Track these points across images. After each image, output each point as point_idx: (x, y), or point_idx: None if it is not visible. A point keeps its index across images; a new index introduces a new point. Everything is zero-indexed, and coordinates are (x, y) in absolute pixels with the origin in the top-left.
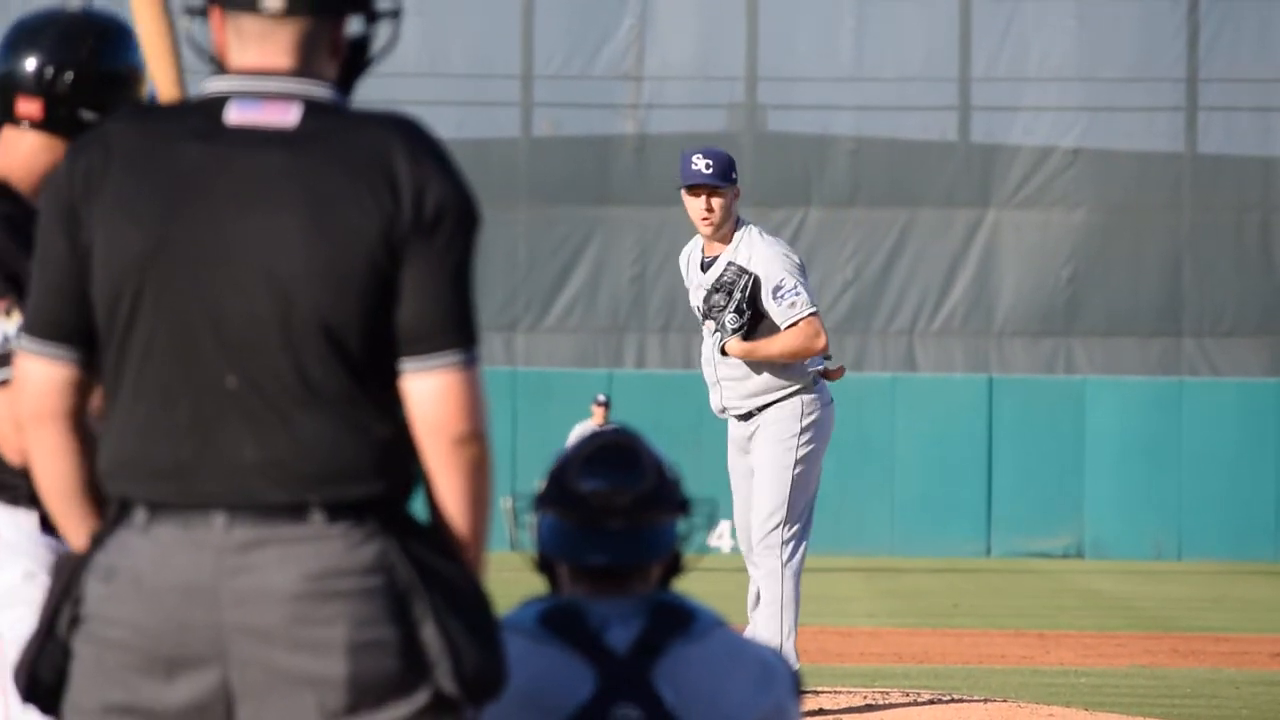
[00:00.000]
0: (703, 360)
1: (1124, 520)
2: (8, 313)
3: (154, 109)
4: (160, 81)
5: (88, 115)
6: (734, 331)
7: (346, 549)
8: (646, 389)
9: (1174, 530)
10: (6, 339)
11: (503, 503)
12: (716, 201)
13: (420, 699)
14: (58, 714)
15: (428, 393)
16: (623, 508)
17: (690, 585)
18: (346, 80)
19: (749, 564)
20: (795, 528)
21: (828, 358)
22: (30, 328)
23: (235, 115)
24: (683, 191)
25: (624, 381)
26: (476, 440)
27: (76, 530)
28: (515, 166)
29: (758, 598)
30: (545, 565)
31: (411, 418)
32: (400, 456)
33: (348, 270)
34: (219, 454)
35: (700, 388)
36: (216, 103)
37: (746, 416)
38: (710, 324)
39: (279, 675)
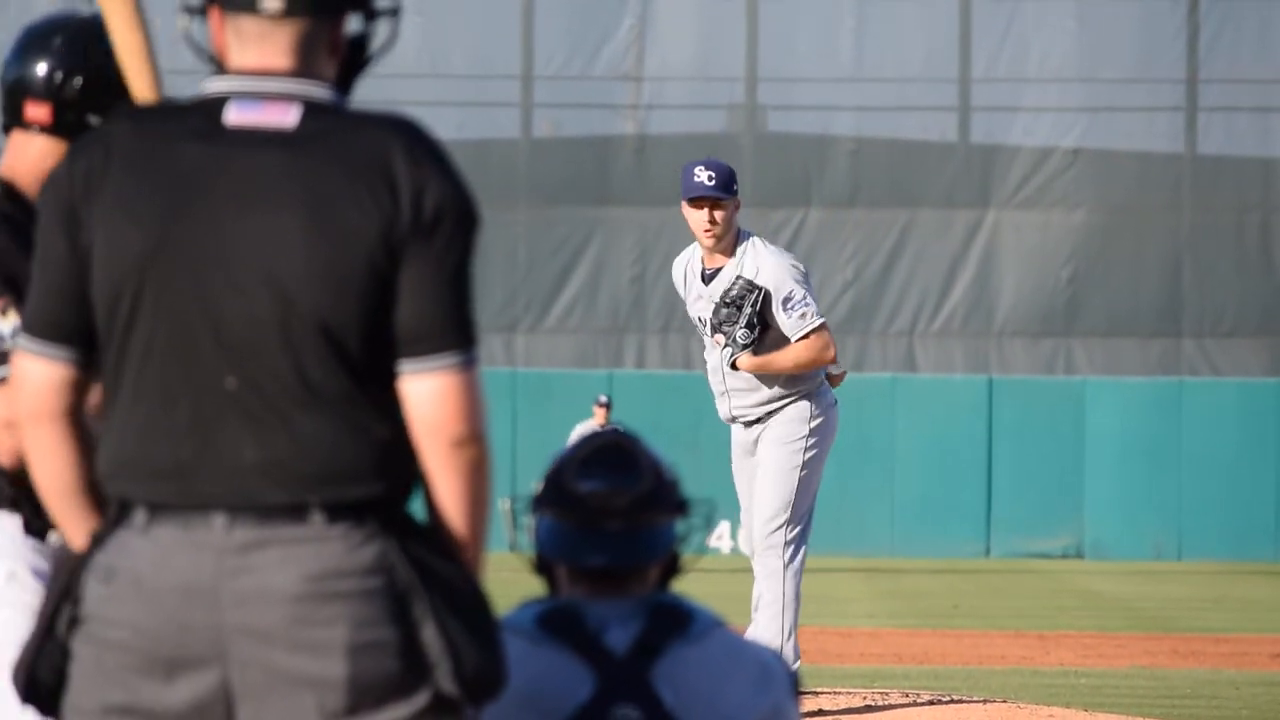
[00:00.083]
0: (708, 370)
1: (1124, 521)
2: (4, 312)
3: (154, 109)
4: (136, 86)
5: (96, 120)
6: (744, 347)
7: (346, 550)
8: (646, 390)
9: (1174, 531)
10: (2, 339)
11: (501, 505)
12: (719, 214)
13: (420, 700)
14: (57, 715)
15: (426, 394)
16: (621, 509)
17: (690, 586)
18: (346, 79)
19: (755, 565)
20: (797, 529)
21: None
22: (29, 327)
23: (235, 116)
24: (684, 204)
25: (624, 382)
26: (475, 441)
27: (76, 530)
28: (515, 167)
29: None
30: (544, 567)
31: (410, 419)
32: (400, 457)
33: (347, 271)
34: (219, 455)
35: (700, 389)
36: (216, 103)
37: (754, 421)
38: (720, 338)
39: (279, 676)
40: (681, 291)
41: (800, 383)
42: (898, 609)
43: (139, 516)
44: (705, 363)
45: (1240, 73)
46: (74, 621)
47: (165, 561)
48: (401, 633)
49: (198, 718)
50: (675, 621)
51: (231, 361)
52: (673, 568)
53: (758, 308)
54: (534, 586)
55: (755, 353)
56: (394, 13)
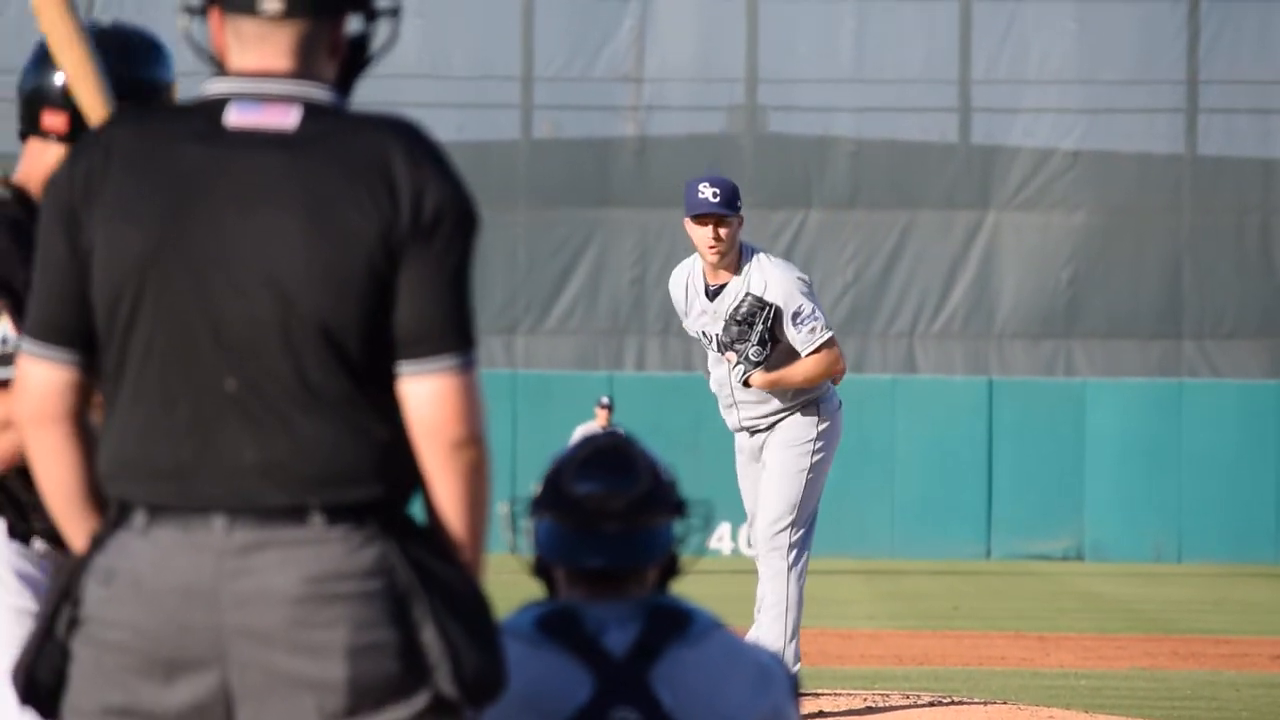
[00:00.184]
0: (712, 381)
1: (1124, 522)
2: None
3: (154, 111)
4: (85, 105)
5: None
6: (757, 365)
7: (346, 552)
8: (647, 391)
9: (1174, 532)
10: (5, 340)
11: (499, 508)
12: (724, 230)
13: (420, 702)
14: (56, 716)
15: (425, 396)
16: (618, 511)
17: (691, 588)
18: (346, 79)
19: (759, 566)
20: (801, 531)
21: None
22: (31, 330)
23: (235, 117)
24: (687, 220)
25: (624, 384)
26: (474, 444)
27: (77, 532)
28: (515, 169)
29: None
30: (542, 569)
31: (409, 421)
32: (400, 459)
33: (347, 273)
34: (219, 456)
35: (700, 391)
36: (216, 105)
37: (762, 429)
38: (731, 356)
39: (279, 678)
40: (681, 305)
41: (809, 390)
42: (898, 610)
43: (139, 518)
44: (708, 372)
45: (1240, 74)
46: (73, 623)
47: (165, 563)
48: (401, 635)
49: (197, 719)
50: (674, 623)
51: (231, 363)
52: (671, 569)
53: (769, 325)
54: (533, 589)
55: (767, 368)
56: (394, 13)
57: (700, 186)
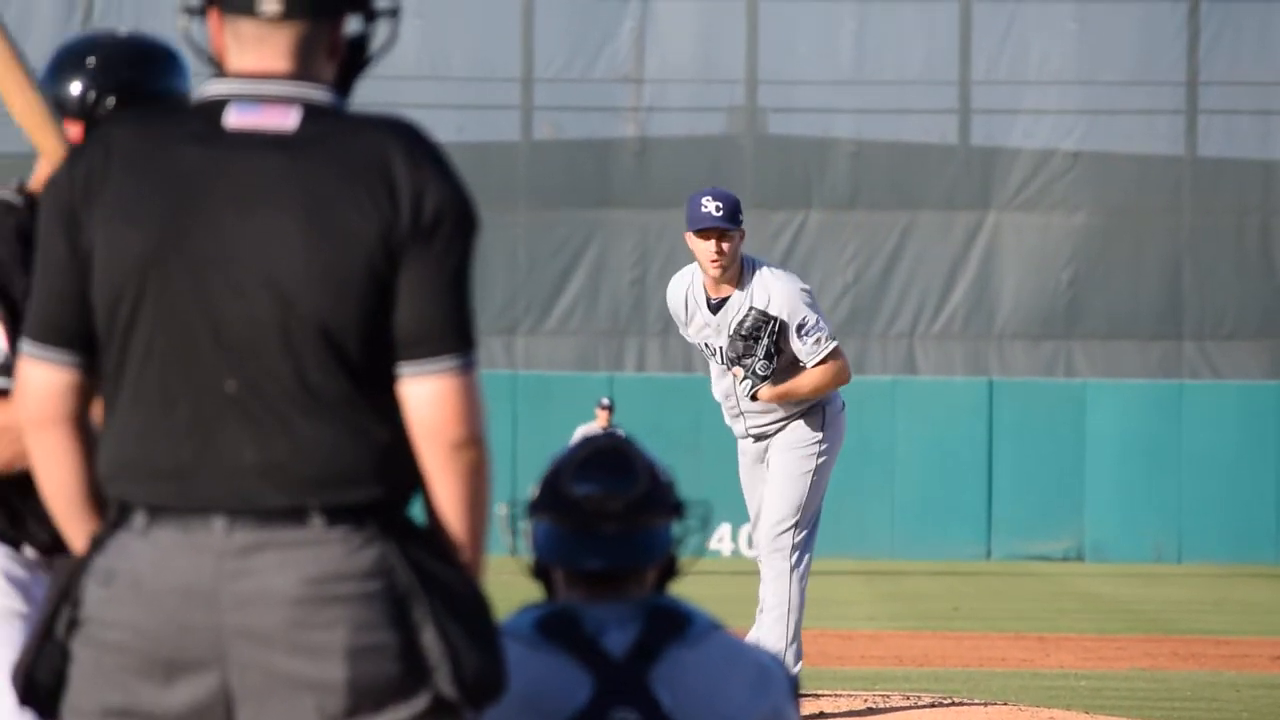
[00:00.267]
0: (718, 393)
1: (1124, 523)
2: None
3: (154, 112)
4: (41, 143)
5: None
6: (764, 379)
7: (346, 553)
8: (647, 392)
9: (1174, 533)
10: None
11: (497, 510)
12: (726, 245)
13: (420, 703)
14: (56, 717)
15: (425, 397)
16: (616, 512)
17: (691, 589)
18: (345, 80)
19: (762, 568)
20: (804, 533)
21: None
22: (31, 332)
23: (234, 119)
24: (689, 235)
25: (624, 385)
26: (474, 445)
27: (77, 533)
28: (515, 170)
29: None
30: (541, 571)
31: (409, 422)
32: (400, 461)
33: (346, 274)
34: (219, 457)
35: (701, 392)
36: (216, 106)
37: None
38: (738, 371)
39: (278, 679)
40: (680, 316)
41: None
42: (898, 611)
43: (138, 519)
44: (713, 382)
45: (1240, 75)
46: (73, 623)
47: (165, 564)
48: (401, 636)
49: None
50: (673, 624)
51: (231, 364)
52: (670, 570)
53: (774, 338)
54: (533, 590)
55: (773, 381)
56: (393, 13)
57: (703, 200)
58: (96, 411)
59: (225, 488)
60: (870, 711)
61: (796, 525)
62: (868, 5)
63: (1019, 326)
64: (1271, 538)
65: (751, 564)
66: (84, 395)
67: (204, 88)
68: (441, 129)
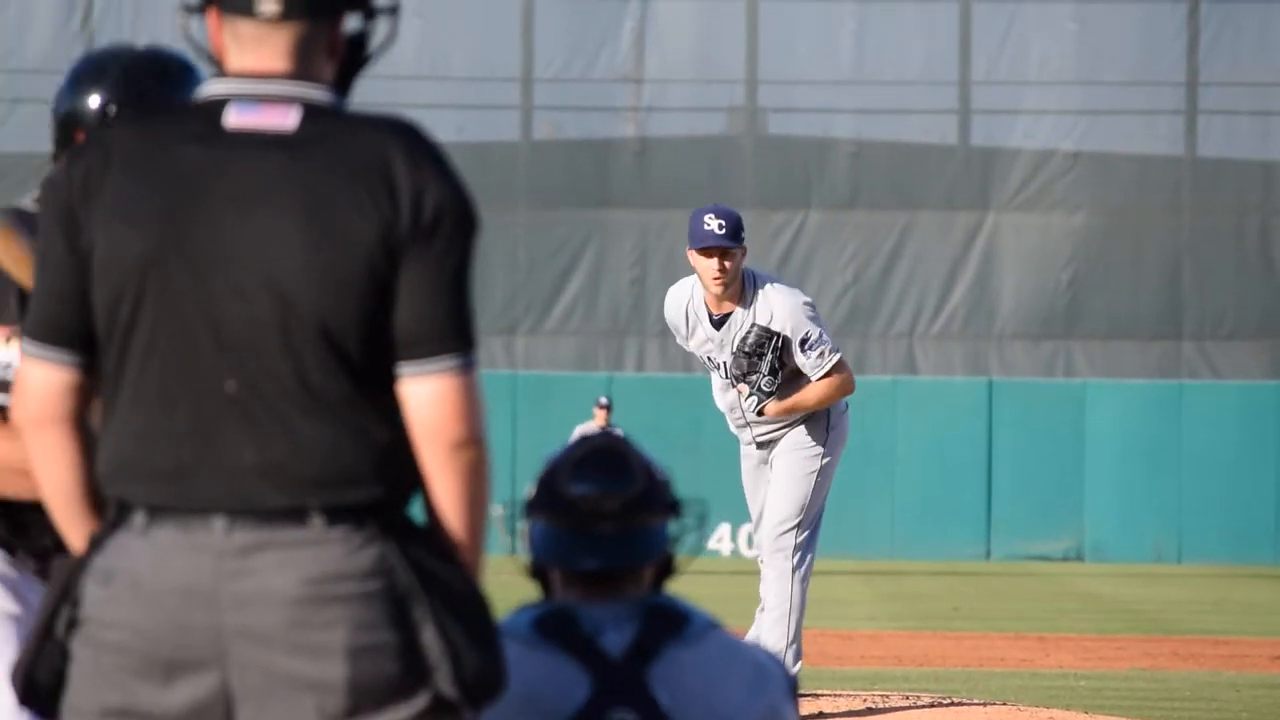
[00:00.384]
0: (724, 406)
1: (1124, 523)
2: (8, 340)
3: (153, 112)
4: (24, 279)
5: None
6: (769, 394)
7: (346, 553)
8: (646, 392)
9: (1174, 533)
10: (7, 367)
11: (494, 510)
12: (729, 263)
13: (420, 702)
14: (55, 717)
15: (425, 397)
16: (613, 511)
17: (691, 589)
18: (345, 78)
19: (764, 568)
20: (806, 534)
21: None
22: (31, 332)
23: (234, 119)
24: (692, 252)
25: (624, 385)
26: (474, 445)
27: (77, 534)
28: (515, 169)
29: None
30: (538, 571)
31: (409, 422)
32: (400, 460)
33: (346, 274)
34: (219, 457)
35: (700, 391)
36: (215, 106)
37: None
38: (744, 387)
39: (278, 679)
40: (681, 330)
41: None
42: (898, 611)
43: (138, 518)
44: (716, 393)
45: (1240, 76)
46: (72, 623)
47: (164, 563)
48: (401, 635)
49: None
50: (671, 623)
51: (231, 364)
52: (667, 569)
53: (778, 353)
54: (532, 590)
55: (780, 395)
56: (392, 11)
57: (705, 218)
58: (94, 413)
59: (225, 488)
60: (870, 711)
61: (799, 526)
62: (868, 5)
63: (1019, 327)
64: (1271, 538)
65: (751, 564)
66: (83, 395)
67: (203, 88)
68: (441, 129)
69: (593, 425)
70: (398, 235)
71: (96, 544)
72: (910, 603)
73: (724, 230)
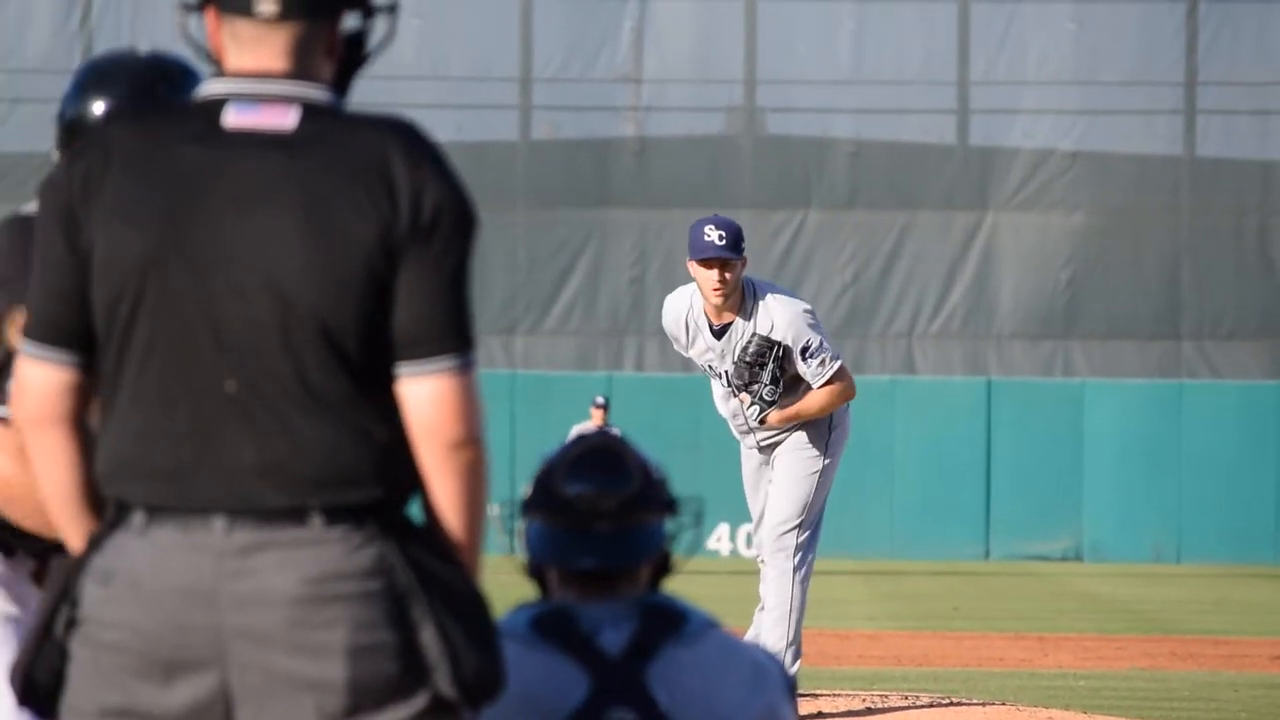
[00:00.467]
0: (726, 413)
1: (1123, 523)
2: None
3: (152, 112)
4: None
5: None
6: (771, 403)
7: (346, 553)
8: (646, 392)
9: (1173, 533)
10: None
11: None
12: (729, 274)
13: (419, 702)
14: (54, 717)
15: (424, 397)
16: (610, 510)
17: (690, 588)
18: (343, 78)
19: (765, 568)
20: (807, 534)
21: None
22: (30, 332)
23: (233, 118)
24: (692, 263)
25: (623, 384)
26: (472, 444)
27: (76, 533)
28: (514, 169)
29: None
30: (535, 570)
31: (408, 421)
32: (400, 460)
33: (345, 273)
34: (218, 457)
35: (699, 391)
36: (214, 105)
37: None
38: (746, 397)
39: (278, 678)
40: (680, 339)
41: None
42: (897, 611)
43: (137, 518)
44: (717, 401)
45: (1239, 75)
46: (71, 623)
47: (164, 563)
48: (400, 635)
49: None
50: (668, 622)
51: (231, 364)
52: (664, 567)
53: (779, 362)
54: (531, 590)
55: (781, 405)
56: (391, 10)
57: (705, 229)
58: (93, 413)
59: (225, 488)
60: (869, 711)
61: (800, 526)
62: (866, 5)
63: (1018, 326)
64: (1271, 538)
65: (750, 564)
66: (83, 395)
67: (202, 87)
68: (440, 128)
69: (590, 425)
70: (397, 235)
71: (96, 544)
72: (909, 603)
73: (724, 241)
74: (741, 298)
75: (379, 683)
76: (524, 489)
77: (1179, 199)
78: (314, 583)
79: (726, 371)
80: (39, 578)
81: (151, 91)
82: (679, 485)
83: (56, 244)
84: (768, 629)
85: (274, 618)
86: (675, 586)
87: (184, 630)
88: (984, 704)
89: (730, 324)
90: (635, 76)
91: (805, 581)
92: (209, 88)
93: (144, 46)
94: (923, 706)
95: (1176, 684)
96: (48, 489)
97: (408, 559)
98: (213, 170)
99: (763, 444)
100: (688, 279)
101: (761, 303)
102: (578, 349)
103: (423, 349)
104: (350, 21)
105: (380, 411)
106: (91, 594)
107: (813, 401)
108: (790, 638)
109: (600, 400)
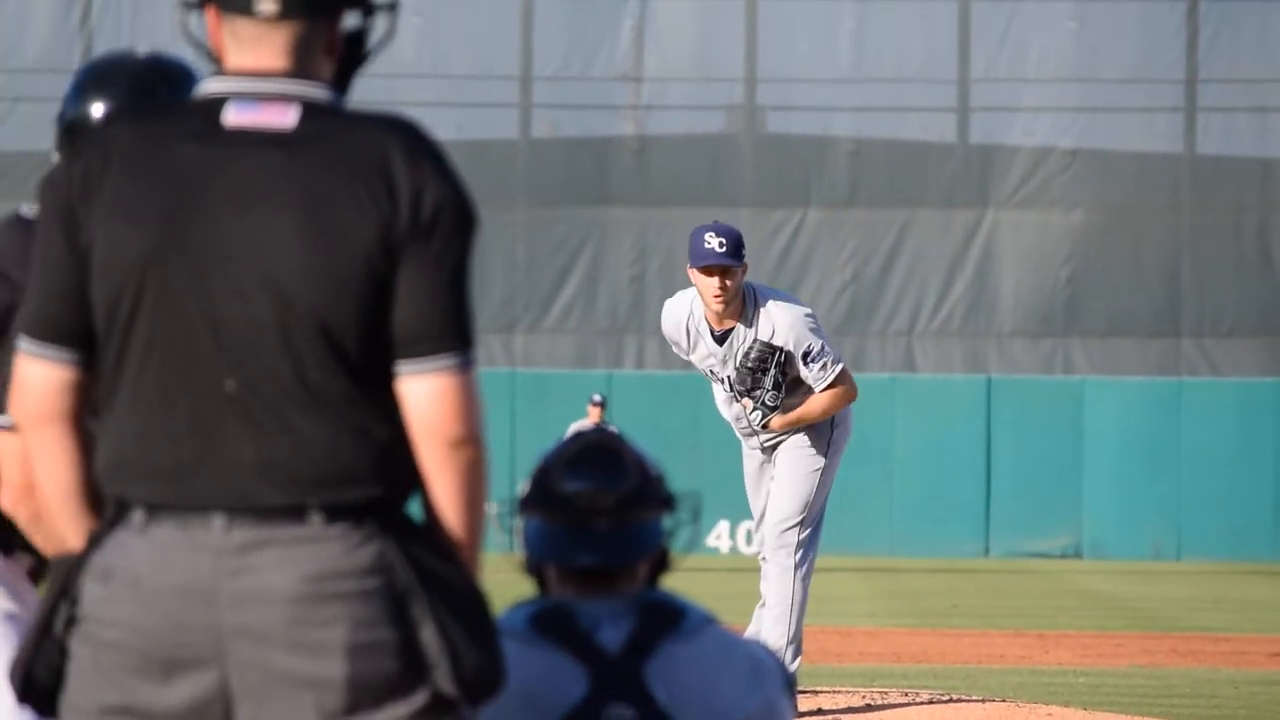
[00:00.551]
0: (729, 416)
1: (1123, 520)
2: None
3: (152, 111)
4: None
5: None
6: (774, 408)
7: (345, 551)
8: (645, 390)
9: (1173, 530)
10: None
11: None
12: (730, 281)
13: (419, 700)
14: (54, 715)
15: (423, 395)
16: (607, 508)
17: (690, 585)
18: (344, 75)
19: (766, 565)
20: (809, 531)
21: None
22: (30, 330)
23: (233, 117)
24: (692, 270)
25: (623, 382)
26: (472, 443)
27: (75, 532)
28: (514, 168)
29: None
30: (534, 567)
31: (408, 420)
32: (399, 459)
33: (345, 272)
34: (218, 456)
35: (699, 389)
36: (214, 104)
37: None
38: (748, 402)
39: (277, 676)
40: (681, 344)
41: None
42: (897, 608)
43: (137, 517)
44: (719, 404)
45: (1239, 73)
46: (71, 621)
47: (163, 562)
48: (400, 633)
49: (195, 718)
50: (667, 619)
51: (231, 363)
52: (662, 564)
53: (781, 367)
54: (530, 587)
55: (784, 408)
56: (391, 8)
57: (706, 236)
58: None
59: (224, 486)
60: (869, 708)
61: (802, 523)
62: (867, 4)
63: (1017, 324)
64: (1270, 535)
65: (750, 561)
66: (82, 393)
67: (202, 86)
68: (440, 127)
69: (587, 423)
70: (396, 233)
71: (95, 542)
72: (909, 600)
73: (725, 248)
74: (742, 304)
75: (378, 680)
76: (521, 487)
77: (1179, 197)
78: (313, 581)
79: (729, 377)
80: (36, 576)
81: (153, 94)
82: (679, 483)
83: (56, 243)
84: (769, 626)
85: (273, 616)
86: (675, 584)
87: (183, 628)
88: (984, 701)
89: (732, 330)
90: (635, 75)
91: (806, 579)
92: (209, 86)
93: (144, 45)
94: (922, 703)
95: (1176, 681)
96: (47, 487)
97: (407, 557)
98: (212, 169)
99: (766, 445)
100: (687, 278)
101: (763, 309)
102: (578, 347)
103: (422, 347)
104: (350, 20)
105: (380, 410)
106: (91, 592)
107: (815, 405)
108: (791, 635)
109: (597, 398)
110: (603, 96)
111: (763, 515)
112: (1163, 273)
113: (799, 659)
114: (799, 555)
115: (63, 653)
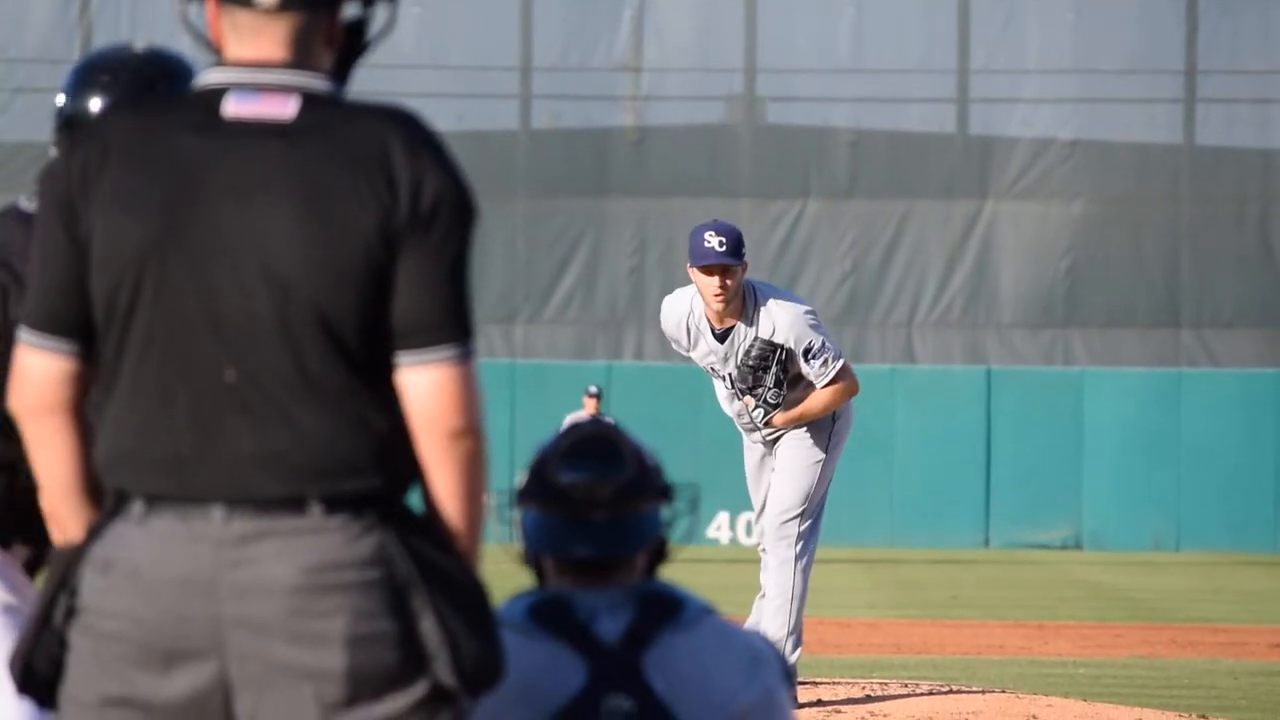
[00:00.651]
0: (731, 412)
1: (1123, 511)
2: None
3: (151, 102)
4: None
5: None
6: (775, 406)
7: (345, 542)
8: (645, 381)
9: (1173, 521)
10: None
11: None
12: (730, 280)
13: (418, 691)
14: (54, 706)
15: (423, 386)
16: (605, 499)
17: (689, 577)
18: (344, 66)
19: (766, 556)
20: (809, 523)
21: None
22: (30, 321)
23: (233, 108)
24: (693, 269)
25: (622, 373)
26: (471, 434)
27: (75, 523)
28: (514, 158)
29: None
30: (532, 559)
31: (407, 411)
32: (399, 450)
33: (345, 263)
34: (217, 447)
35: (698, 380)
36: (214, 95)
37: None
38: (750, 400)
39: (277, 668)
40: (681, 341)
41: None
42: (897, 599)
43: (136, 508)
44: (721, 401)
45: (1239, 64)
46: (71, 612)
47: (163, 553)
48: (400, 624)
49: (195, 709)
50: (665, 610)
51: (230, 354)
52: (660, 555)
53: (782, 364)
54: (529, 579)
55: (785, 405)
56: None
57: (706, 235)
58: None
59: (224, 477)
60: (868, 699)
61: (802, 515)
62: None
63: (1017, 315)
64: (1269, 526)
65: (749, 552)
66: (82, 384)
67: (202, 77)
68: (440, 118)
69: (583, 414)
70: (396, 224)
71: (95, 533)
72: (909, 591)
73: (725, 248)
74: (743, 302)
75: (378, 672)
76: (519, 478)
77: (1179, 188)
78: (313, 572)
79: (730, 374)
80: (33, 567)
81: (151, 89)
82: (679, 474)
83: (56, 234)
84: (769, 617)
85: (273, 607)
86: (676, 575)
87: (183, 620)
88: (983, 691)
89: (732, 328)
90: (635, 66)
91: (806, 570)
92: (208, 77)
93: (143, 37)
94: (922, 694)
95: (1175, 672)
96: (46, 478)
97: (407, 548)
98: (211, 160)
99: (768, 439)
100: (686, 271)
101: (763, 307)
102: (577, 338)
103: (422, 338)
104: (350, 10)
105: (379, 401)
106: (91, 583)
107: (817, 401)
108: (791, 626)
109: (593, 389)
110: (602, 87)
111: (763, 507)
112: (1163, 264)
113: (799, 650)
114: (799, 547)
115: (62, 644)
